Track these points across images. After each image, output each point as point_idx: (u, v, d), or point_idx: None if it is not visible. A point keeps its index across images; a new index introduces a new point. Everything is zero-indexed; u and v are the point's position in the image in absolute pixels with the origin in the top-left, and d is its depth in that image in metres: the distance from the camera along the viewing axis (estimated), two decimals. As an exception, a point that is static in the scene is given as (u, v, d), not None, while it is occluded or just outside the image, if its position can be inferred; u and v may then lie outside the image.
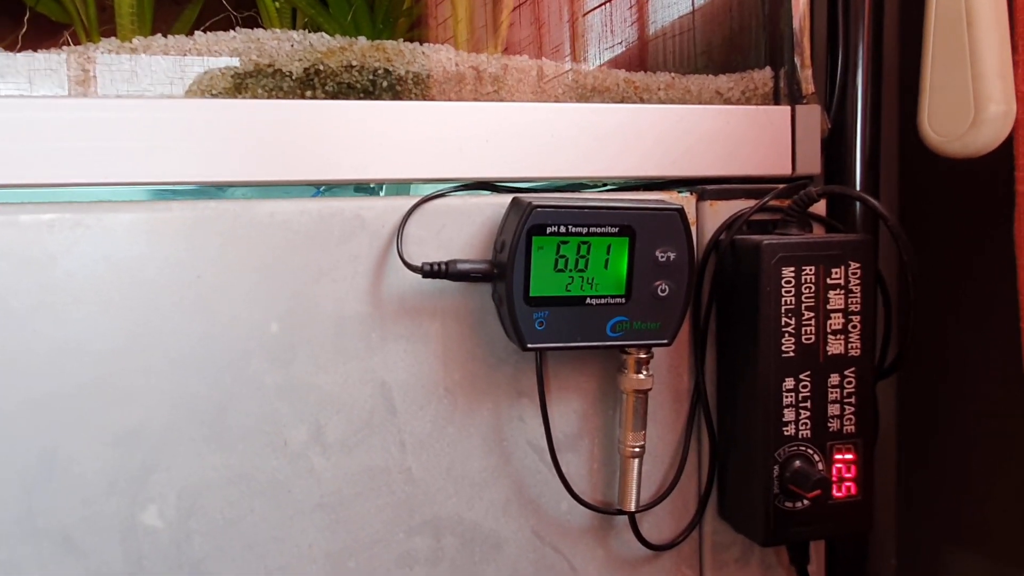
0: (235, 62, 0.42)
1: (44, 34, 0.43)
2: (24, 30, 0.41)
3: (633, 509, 0.46)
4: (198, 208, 0.41)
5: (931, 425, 0.62)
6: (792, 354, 0.44)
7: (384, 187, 0.52)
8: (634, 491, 0.46)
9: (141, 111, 0.40)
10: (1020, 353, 0.47)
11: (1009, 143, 0.46)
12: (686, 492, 0.49)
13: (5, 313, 0.39)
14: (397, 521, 0.44)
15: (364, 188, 0.52)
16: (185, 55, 0.41)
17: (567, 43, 0.65)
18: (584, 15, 0.65)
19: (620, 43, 0.64)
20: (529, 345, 0.42)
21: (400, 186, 0.50)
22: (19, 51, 0.40)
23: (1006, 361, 0.54)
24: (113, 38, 0.41)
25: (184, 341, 0.41)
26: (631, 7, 0.64)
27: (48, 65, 0.41)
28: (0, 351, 0.39)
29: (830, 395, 0.45)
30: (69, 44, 0.40)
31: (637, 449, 0.45)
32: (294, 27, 0.47)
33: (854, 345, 0.45)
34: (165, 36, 0.41)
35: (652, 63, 0.62)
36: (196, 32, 0.42)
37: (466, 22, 0.49)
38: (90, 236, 0.40)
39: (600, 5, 0.65)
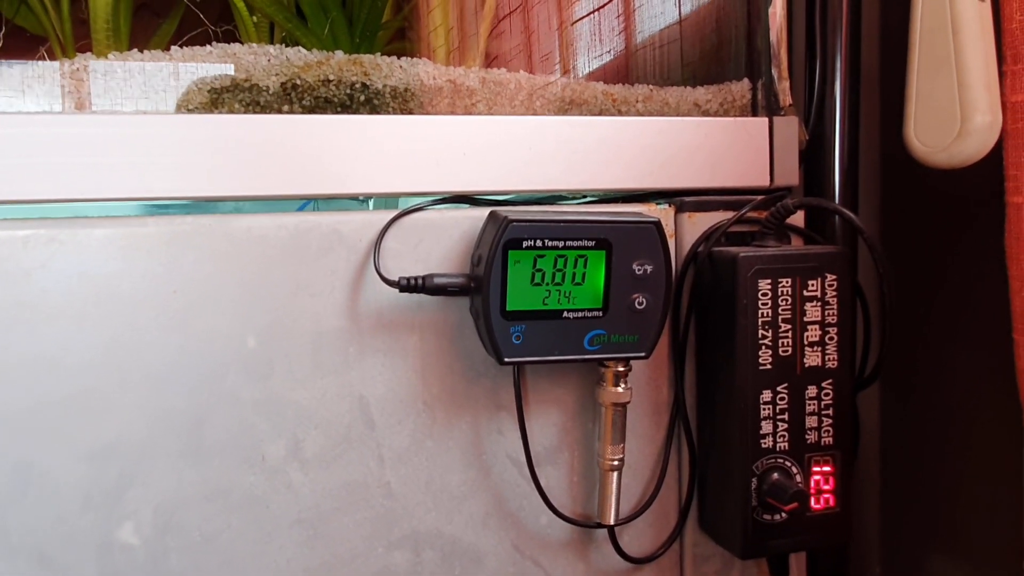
0: (229, 69, 0.42)
1: (22, 48, 0.43)
2: (0, 44, 0.41)
3: (612, 522, 0.46)
4: (174, 223, 0.41)
5: (913, 434, 0.62)
6: (769, 366, 0.44)
7: (372, 201, 0.52)
8: (613, 504, 0.46)
9: (118, 127, 0.40)
10: (1003, 362, 0.48)
11: (994, 154, 0.46)
12: (666, 505, 0.49)
13: (-21, 330, 0.38)
14: (376, 536, 0.44)
15: (344, 202, 0.52)
16: (160, 70, 0.41)
17: (556, 52, 0.66)
18: (572, 24, 0.65)
19: (608, 52, 0.64)
20: (506, 359, 0.42)
21: (378, 200, 0.50)
22: (-6, 67, 0.40)
23: (990, 370, 0.55)
24: (89, 53, 0.41)
25: (160, 356, 0.41)
26: (618, 16, 0.65)
27: (24, 78, 0.41)
28: (-26, 368, 0.38)
29: (808, 407, 0.45)
30: (45, 59, 0.40)
31: (616, 462, 0.45)
32: (272, 41, 0.47)
33: (831, 357, 0.45)
34: (142, 50, 0.41)
35: (640, 73, 0.62)
36: (173, 47, 0.42)
37: (444, 33, 0.49)
38: (65, 252, 0.39)
39: (588, 15, 0.66)
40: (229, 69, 0.43)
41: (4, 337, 0.39)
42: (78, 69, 0.40)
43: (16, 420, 0.39)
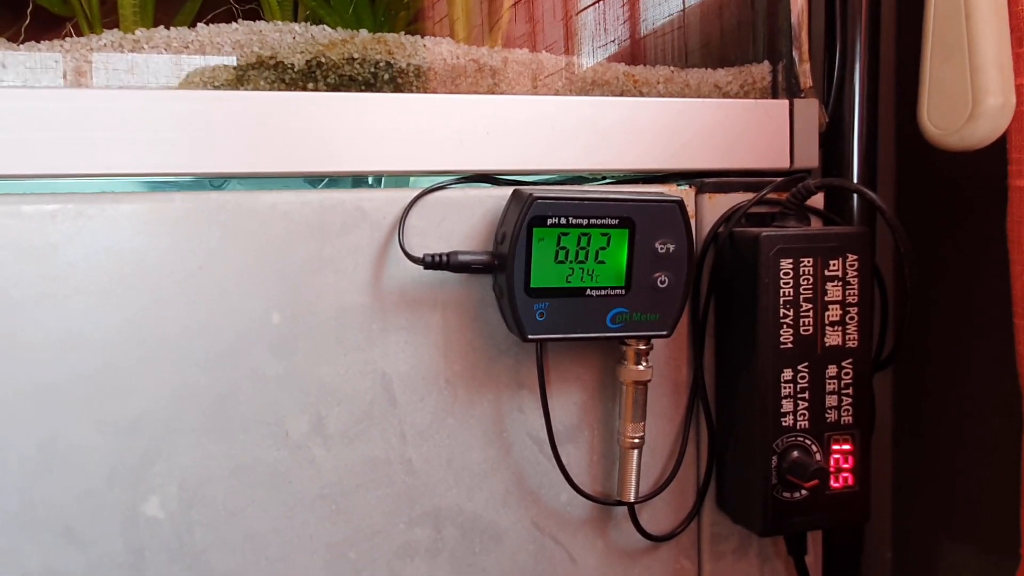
0: (231, 61, 0.42)
1: (47, 26, 0.43)
2: (27, 22, 0.41)
3: (632, 500, 0.46)
4: (200, 199, 0.41)
5: (925, 418, 0.62)
6: (790, 345, 0.45)
7: (384, 179, 0.52)
8: (633, 482, 0.46)
9: (142, 102, 0.40)
10: (1012, 347, 0.48)
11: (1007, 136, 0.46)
12: (685, 483, 0.49)
13: (7, 303, 0.39)
14: (397, 512, 0.45)
15: (363, 181, 0.52)
16: (187, 46, 0.41)
17: (562, 41, 0.66)
18: (578, 13, 0.65)
19: (613, 41, 0.64)
20: (530, 336, 0.42)
21: (400, 178, 0.51)
22: (21, 43, 0.40)
23: (1000, 355, 0.55)
24: (116, 30, 0.41)
25: (185, 331, 0.41)
26: (624, 4, 0.65)
27: (50, 58, 0.41)
28: (1, 341, 0.39)
29: (828, 386, 0.45)
30: (72, 36, 0.40)
31: (636, 440, 0.46)
32: (295, 19, 0.47)
33: (851, 336, 0.46)
34: (168, 28, 0.42)
35: (646, 60, 0.63)
36: (198, 24, 0.42)
37: (464, 16, 0.49)
38: (92, 227, 0.40)
39: (593, 3, 0.66)
40: (251, 47, 0.43)
41: (31, 311, 0.39)
42: (106, 45, 0.40)
43: (42, 394, 0.39)
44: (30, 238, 0.39)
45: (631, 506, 0.47)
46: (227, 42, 0.42)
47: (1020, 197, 0.46)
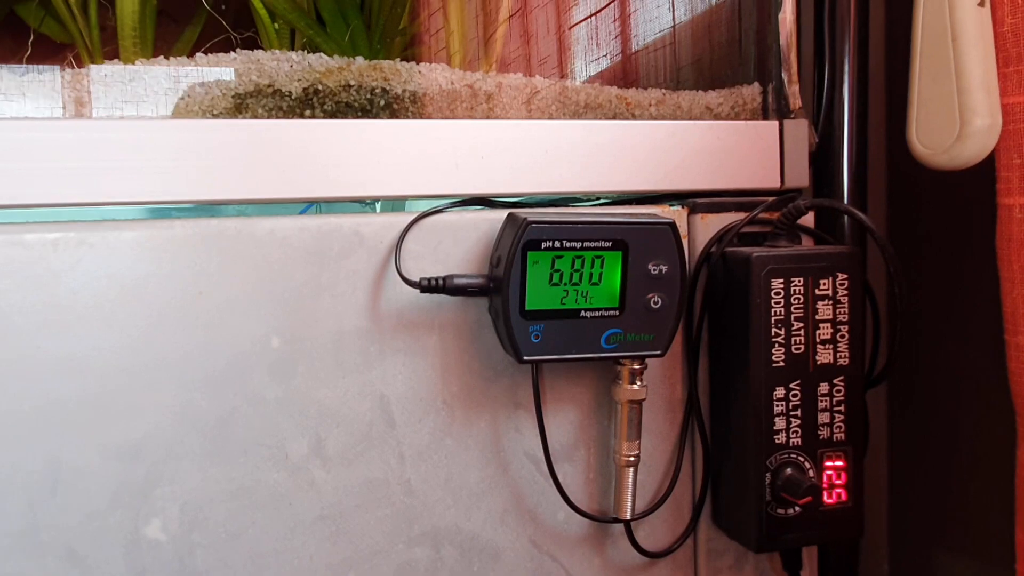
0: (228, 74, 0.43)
1: (48, 54, 0.44)
2: (28, 53, 0.42)
3: (628, 517, 0.46)
4: (200, 226, 0.42)
5: (921, 433, 0.63)
6: (782, 364, 0.45)
7: (380, 204, 0.53)
8: (629, 499, 0.46)
9: (143, 131, 0.41)
10: (1004, 363, 0.49)
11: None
12: (680, 500, 0.50)
13: (10, 330, 0.39)
14: (397, 532, 0.45)
15: (360, 205, 0.53)
16: (187, 75, 0.42)
17: (555, 56, 0.67)
18: (570, 28, 0.66)
19: (606, 55, 0.65)
20: (525, 358, 0.43)
21: (397, 203, 0.51)
22: (24, 72, 0.41)
23: (992, 370, 0.55)
24: (116, 60, 0.42)
25: (186, 356, 0.42)
26: (615, 20, 0.66)
27: (51, 83, 0.41)
28: (5, 367, 0.39)
29: (820, 403, 0.46)
30: (72, 65, 0.41)
31: (632, 458, 0.46)
32: (293, 47, 0.48)
33: (843, 354, 0.46)
34: (167, 57, 0.42)
35: (638, 75, 0.64)
36: (197, 54, 0.43)
37: (460, 39, 0.50)
38: (94, 254, 0.40)
39: (585, 19, 0.67)
40: (249, 75, 0.44)
41: (35, 337, 0.40)
42: (106, 76, 0.40)
43: (46, 419, 0.40)
44: (33, 266, 0.40)
45: (627, 523, 0.47)
46: (225, 70, 0.43)
47: (1009, 215, 0.47)
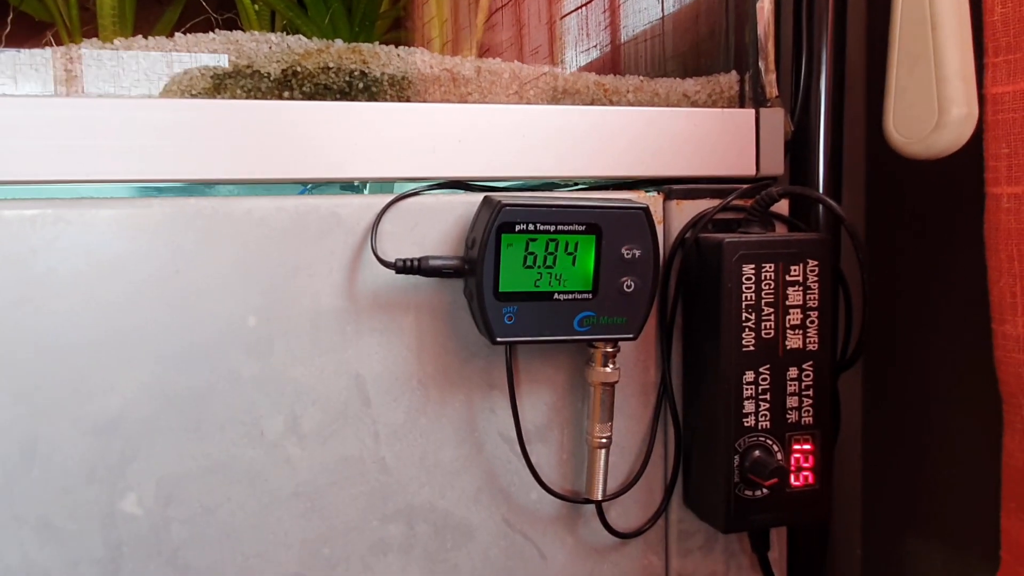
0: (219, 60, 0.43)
1: (28, 33, 0.44)
2: (7, 30, 0.42)
3: (600, 498, 0.47)
4: (177, 205, 0.42)
5: (894, 419, 0.64)
6: (752, 348, 0.46)
7: (368, 186, 0.53)
8: (601, 480, 0.47)
9: (124, 110, 0.41)
10: (982, 349, 0.49)
11: (973, 144, 0.47)
12: (652, 482, 0.51)
13: (-13, 306, 0.40)
14: (371, 509, 0.46)
15: (348, 186, 0.53)
16: (166, 56, 0.42)
17: (546, 46, 0.67)
18: (562, 18, 0.66)
19: (595, 46, 0.66)
20: (498, 339, 0.43)
21: (374, 184, 0.52)
22: (2, 48, 0.41)
23: (967, 357, 0.56)
24: (95, 39, 0.42)
25: (163, 334, 0.42)
26: (605, 11, 0.66)
27: (32, 63, 0.42)
28: (-18, 343, 0.40)
29: (789, 388, 0.47)
30: (52, 44, 0.41)
31: (604, 440, 0.47)
32: (273, 29, 0.48)
33: (812, 340, 0.47)
34: (146, 37, 0.43)
35: (627, 66, 0.64)
36: (176, 34, 0.43)
37: (440, 23, 0.50)
38: (71, 232, 0.41)
39: (577, 9, 0.67)
40: (228, 56, 0.44)
41: (12, 313, 0.40)
42: (84, 55, 0.41)
43: (22, 395, 0.40)
44: (9, 243, 0.40)
45: (599, 504, 0.48)
46: (204, 51, 0.43)
47: (996, 204, 0.47)
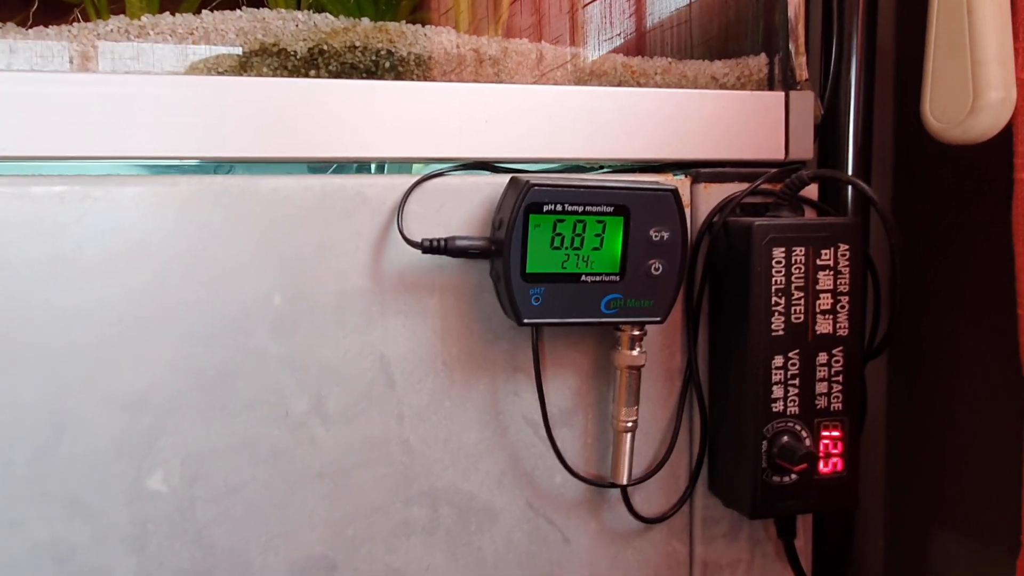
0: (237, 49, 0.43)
1: (55, 11, 0.44)
2: (35, 7, 0.42)
3: (625, 482, 0.47)
4: (204, 183, 0.42)
5: (919, 408, 0.63)
6: (781, 333, 0.45)
7: (386, 166, 0.53)
8: (626, 465, 0.47)
9: (148, 87, 0.41)
10: (1009, 338, 0.48)
11: (1008, 130, 0.47)
12: (677, 467, 0.50)
13: (16, 281, 0.40)
14: (395, 491, 0.46)
15: (363, 167, 0.53)
16: (192, 33, 0.42)
17: (567, 35, 0.66)
18: (584, 6, 0.66)
19: (619, 35, 0.65)
20: (525, 320, 0.43)
21: (401, 165, 0.51)
22: (30, 27, 0.41)
23: (995, 345, 0.56)
24: (122, 16, 0.42)
25: (190, 311, 0.42)
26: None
27: (58, 43, 0.42)
28: (12, 318, 0.40)
29: (818, 373, 0.46)
30: (79, 21, 0.41)
31: (630, 424, 0.47)
32: (299, 7, 0.48)
33: (842, 325, 0.46)
34: (173, 14, 0.42)
35: (651, 54, 0.63)
36: (203, 11, 0.43)
37: (467, 7, 0.50)
38: (99, 208, 0.41)
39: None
40: (255, 34, 0.44)
41: (40, 289, 0.40)
42: (113, 31, 0.41)
43: (52, 369, 0.40)
44: (38, 219, 0.40)
45: (624, 488, 0.48)
46: (231, 29, 0.43)
47: (1024, 190, 0.46)
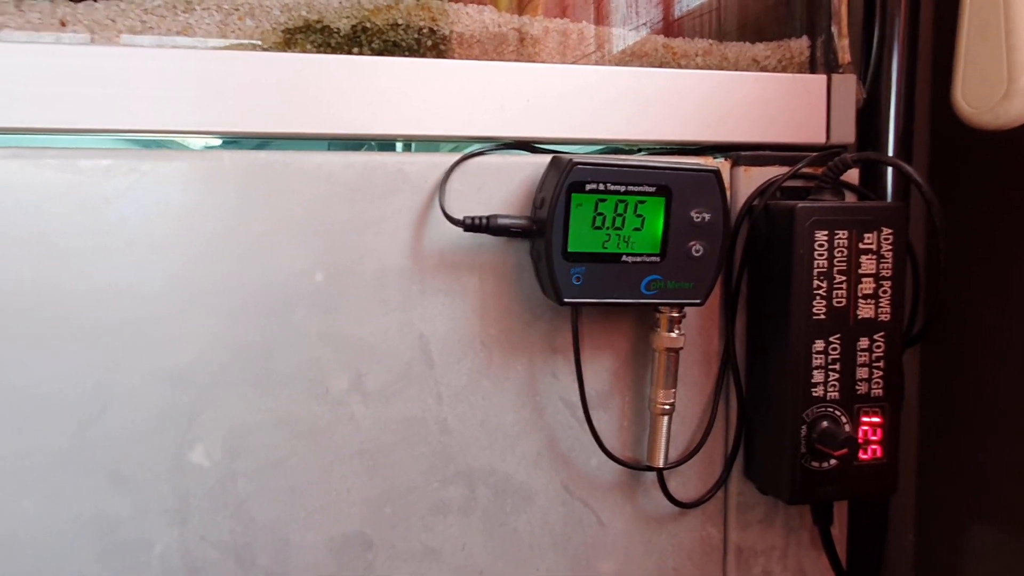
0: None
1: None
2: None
3: (662, 465, 0.47)
4: (248, 158, 0.42)
5: (954, 397, 0.62)
6: (823, 317, 0.45)
7: (414, 145, 0.53)
8: (663, 448, 0.47)
9: (193, 61, 0.41)
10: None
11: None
12: (713, 452, 0.50)
13: (62, 253, 0.40)
14: (432, 470, 0.46)
15: (385, 145, 0.53)
16: (238, 8, 0.42)
17: (592, 23, 0.66)
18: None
19: (645, 23, 0.64)
20: (566, 299, 0.43)
21: (443, 143, 0.51)
22: (80, 2, 0.41)
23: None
24: (169, -9, 0.42)
25: (233, 286, 0.42)
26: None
27: (108, 16, 0.42)
28: (57, 290, 0.40)
29: (859, 358, 0.46)
30: (126, -4, 0.41)
31: (667, 407, 0.46)
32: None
33: (884, 310, 0.46)
34: (218, -10, 0.42)
35: (689, 36, 0.62)
36: (248, -13, 0.43)
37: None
38: (144, 182, 0.41)
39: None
40: (299, 10, 0.44)
41: (87, 260, 0.40)
42: (160, 4, 0.41)
43: (95, 342, 0.41)
44: (84, 191, 0.40)
45: (660, 472, 0.48)
46: (276, 5, 0.43)
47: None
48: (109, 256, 0.41)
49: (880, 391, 0.46)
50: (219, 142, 0.51)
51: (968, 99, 0.48)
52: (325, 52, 0.44)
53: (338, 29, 0.44)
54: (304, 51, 0.44)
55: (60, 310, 0.40)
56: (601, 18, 0.65)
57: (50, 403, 0.40)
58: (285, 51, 0.44)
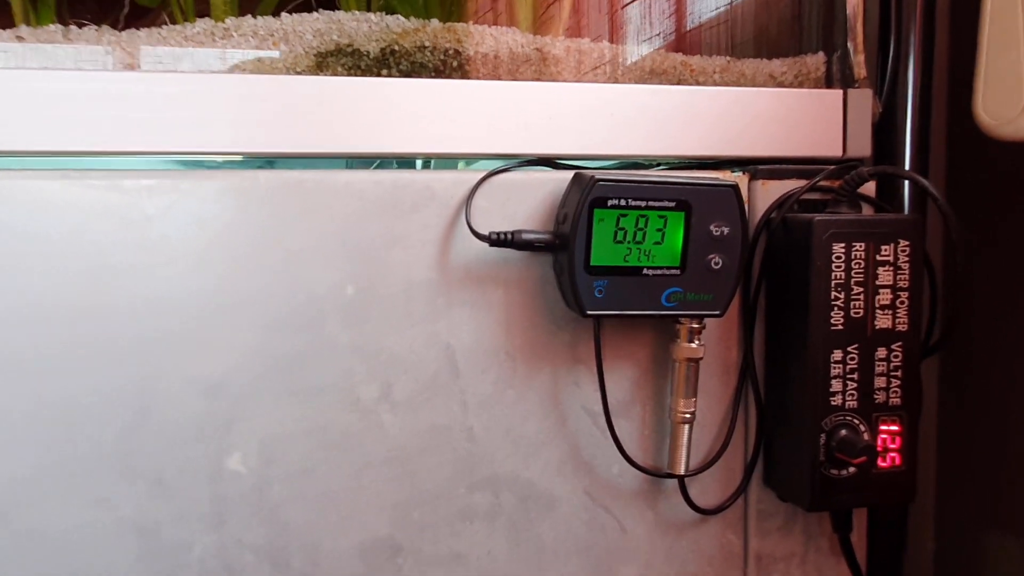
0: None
1: (142, 12, 0.46)
2: (126, 11, 0.44)
3: (683, 473, 0.48)
4: (282, 177, 0.44)
5: (972, 407, 0.63)
6: (841, 327, 0.46)
7: (433, 162, 0.54)
8: (684, 456, 0.48)
9: (230, 86, 0.43)
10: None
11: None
12: (732, 461, 0.51)
13: (105, 268, 0.42)
14: (459, 477, 0.47)
15: (405, 163, 0.54)
16: (272, 34, 0.44)
17: (607, 36, 0.67)
18: (624, 7, 0.67)
19: (659, 35, 0.66)
20: (589, 312, 0.44)
21: (440, 162, 0.53)
22: (122, 30, 0.43)
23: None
24: (207, 18, 0.44)
25: (266, 300, 0.44)
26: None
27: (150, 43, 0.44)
28: (100, 304, 0.42)
29: (877, 368, 0.47)
30: (167, 23, 0.43)
31: (688, 415, 0.47)
32: (369, 9, 0.50)
33: (901, 320, 0.47)
34: (254, 16, 0.44)
35: (705, 53, 0.64)
36: (282, 14, 0.45)
37: (531, 5, 0.51)
38: (184, 201, 0.43)
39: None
40: (330, 35, 0.46)
41: (130, 276, 0.42)
42: (199, 32, 0.43)
43: (141, 351, 0.42)
44: (129, 210, 0.42)
45: (681, 479, 0.49)
46: (308, 30, 0.45)
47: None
48: (151, 271, 0.43)
49: (898, 400, 0.47)
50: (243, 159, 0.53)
51: (988, 111, 0.49)
52: (355, 74, 0.46)
53: (368, 52, 0.46)
54: (335, 74, 0.46)
55: (104, 323, 0.42)
56: (615, 30, 0.67)
57: (94, 412, 0.42)
58: (317, 74, 0.45)
